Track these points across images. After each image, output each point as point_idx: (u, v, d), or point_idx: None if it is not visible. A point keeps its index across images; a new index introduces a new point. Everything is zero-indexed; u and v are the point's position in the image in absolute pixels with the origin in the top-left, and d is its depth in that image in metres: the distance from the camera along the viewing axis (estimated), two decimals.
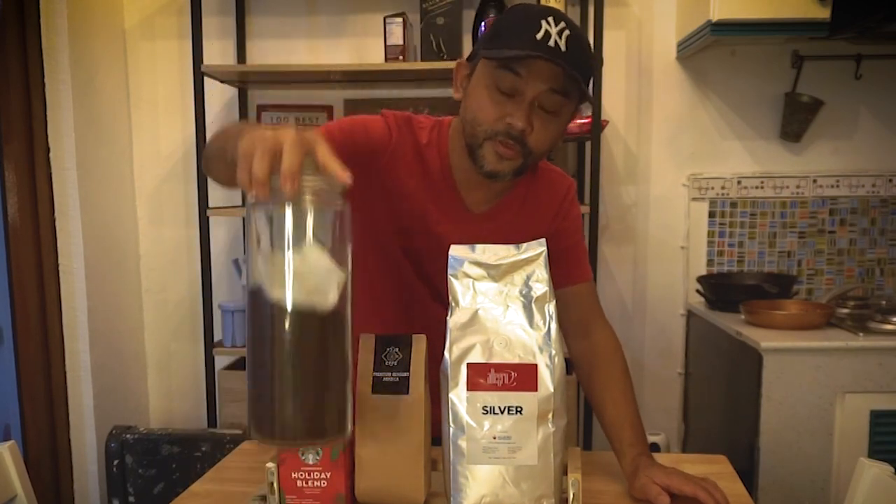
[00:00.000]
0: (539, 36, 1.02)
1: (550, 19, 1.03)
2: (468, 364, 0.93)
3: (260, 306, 0.76)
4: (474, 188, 1.19)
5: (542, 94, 1.05)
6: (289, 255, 0.75)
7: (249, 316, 0.79)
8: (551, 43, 1.02)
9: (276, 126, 0.77)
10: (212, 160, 0.98)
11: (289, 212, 0.75)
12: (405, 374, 0.99)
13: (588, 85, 1.09)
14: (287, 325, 0.75)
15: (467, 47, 2.30)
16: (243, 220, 2.52)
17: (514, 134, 1.06)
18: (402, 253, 1.22)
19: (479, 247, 0.99)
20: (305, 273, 0.75)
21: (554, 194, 1.27)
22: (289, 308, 0.75)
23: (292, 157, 0.73)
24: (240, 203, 2.45)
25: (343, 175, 0.75)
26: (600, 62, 2.10)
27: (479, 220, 1.21)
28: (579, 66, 1.04)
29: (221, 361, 2.37)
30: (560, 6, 2.17)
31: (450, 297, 0.96)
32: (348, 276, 0.79)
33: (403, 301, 1.26)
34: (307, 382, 0.77)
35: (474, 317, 0.95)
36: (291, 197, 0.74)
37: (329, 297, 0.76)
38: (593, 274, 2.17)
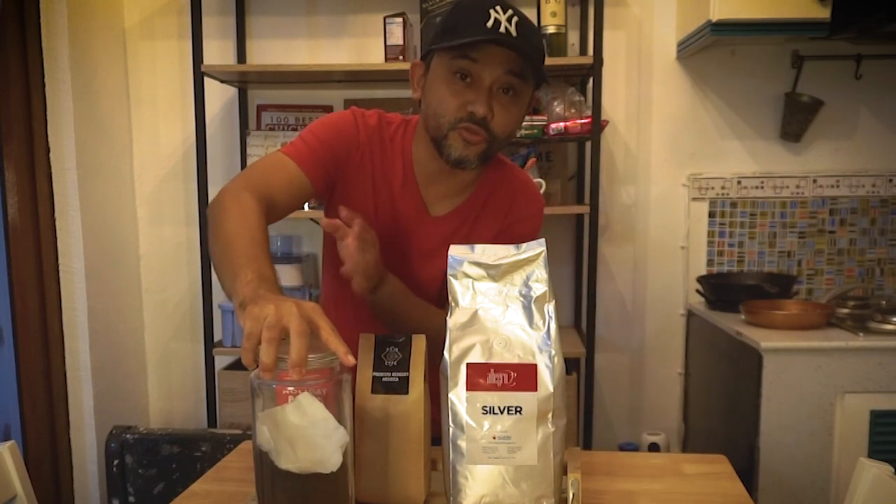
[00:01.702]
0: (489, 24, 1.06)
1: (498, 8, 1.07)
2: (468, 364, 0.92)
3: (267, 466, 0.84)
4: (435, 189, 1.22)
5: (499, 77, 1.09)
6: (292, 427, 0.82)
7: (257, 470, 0.87)
8: (502, 29, 1.06)
9: (275, 300, 0.83)
10: (212, 255, 1.03)
11: (293, 401, 0.82)
12: (405, 374, 0.99)
13: (541, 67, 1.13)
14: (294, 484, 0.84)
15: None
16: None
17: (476, 119, 1.10)
18: None
19: (478, 247, 0.99)
20: (309, 444, 0.82)
21: (521, 206, 1.28)
22: (295, 471, 0.82)
23: (299, 347, 0.78)
24: None
25: (347, 358, 0.81)
26: (600, 62, 2.10)
27: (438, 223, 1.23)
28: (531, 49, 1.08)
29: (221, 361, 2.37)
30: (560, 7, 2.17)
31: (449, 297, 0.96)
32: (351, 433, 0.87)
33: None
34: None
35: (474, 317, 0.95)
36: (298, 381, 0.81)
37: (333, 461, 0.83)
38: (594, 275, 2.18)
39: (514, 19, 1.07)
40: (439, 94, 1.12)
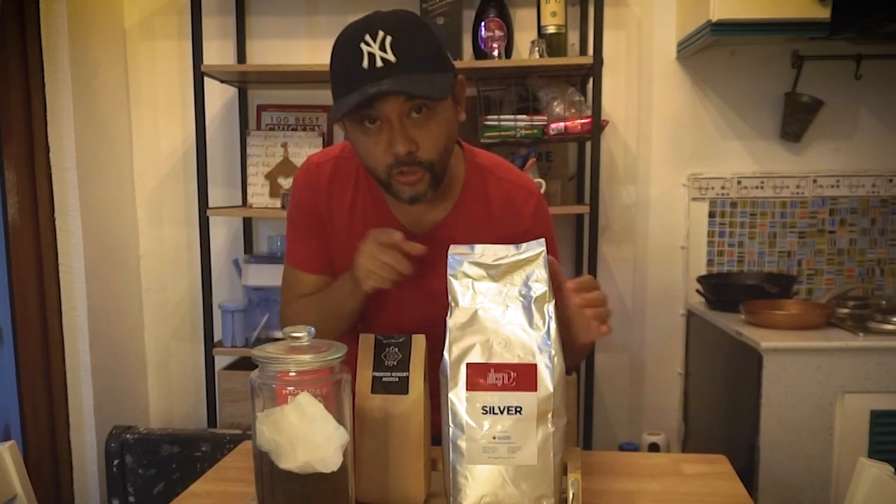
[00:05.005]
0: (365, 64, 1.02)
1: (367, 38, 1.02)
2: (468, 364, 0.93)
3: (267, 466, 0.85)
4: (408, 210, 1.22)
5: (401, 107, 1.05)
6: (292, 427, 0.83)
7: (257, 470, 0.87)
8: (378, 63, 1.02)
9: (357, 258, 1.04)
10: (318, 321, 1.07)
11: (293, 401, 0.84)
12: (405, 374, 1.00)
13: (444, 65, 1.08)
14: (294, 484, 0.85)
15: (467, 47, 2.30)
16: (243, 220, 2.52)
17: (403, 159, 1.07)
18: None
19: (478, 247, 0.99)
20: (309, 444, 0.83)
21: (516, 211, 1.26)
22: (295, 471, 0.84)
23: (397, 258, 1.10)
24: (240, 203, 2.45)
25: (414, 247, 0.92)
26: (600, 62, 2.10)
27: (425, 240, 1.19)
28: (416, 64, 1.03)
29: (221, 361, 2.37)
30: (560, 7, 2.17)
31: (449, 297, 0.96)
32: (351, 433, 0.88)
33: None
34: None
35: (474, 317, 0.95)
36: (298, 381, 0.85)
37: (333, 461, 0.84)
38: (594, 274, 2.18)
39: (388, 40, 1.01)
40: (362, 146, 1.11)
